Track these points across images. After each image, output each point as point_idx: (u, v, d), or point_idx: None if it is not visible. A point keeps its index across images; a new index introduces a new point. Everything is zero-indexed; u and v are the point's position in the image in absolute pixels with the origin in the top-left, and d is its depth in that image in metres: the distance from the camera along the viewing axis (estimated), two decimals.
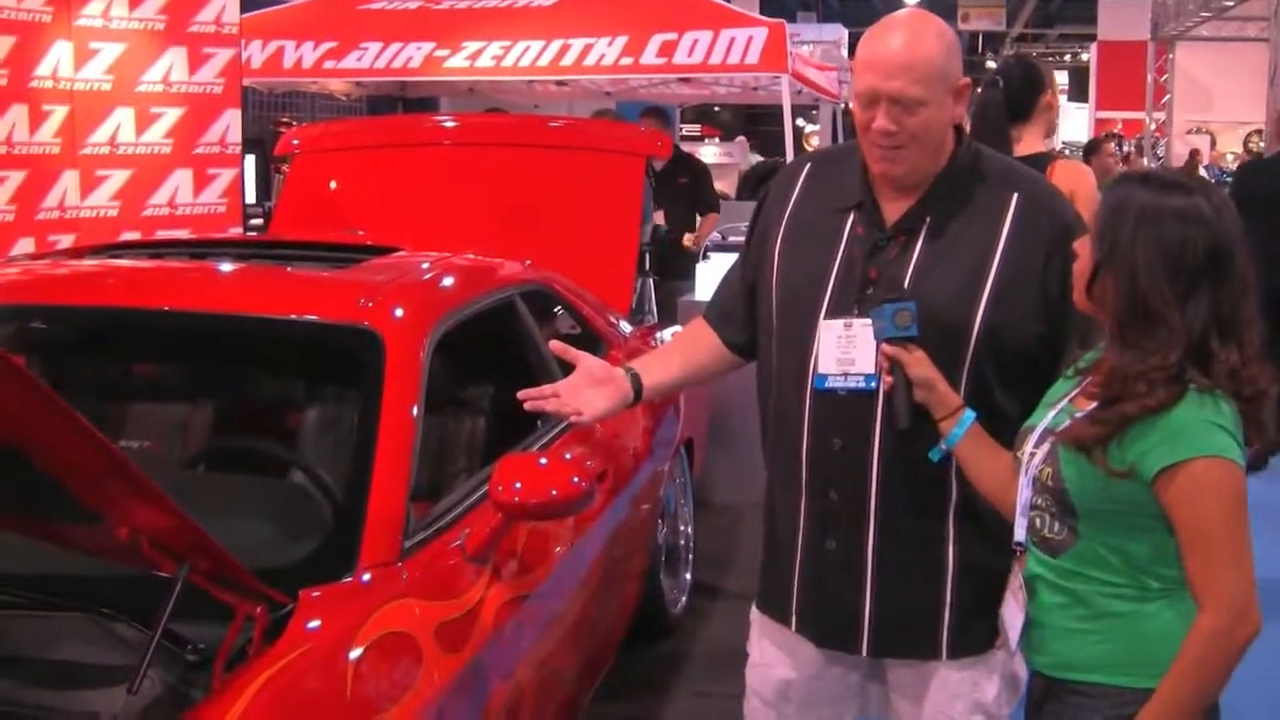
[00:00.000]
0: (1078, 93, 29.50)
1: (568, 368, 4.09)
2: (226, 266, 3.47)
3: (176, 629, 2.28)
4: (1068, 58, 33.88)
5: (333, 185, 5.63)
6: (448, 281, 3.60)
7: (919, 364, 2.31)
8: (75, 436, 1.76)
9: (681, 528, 5.07)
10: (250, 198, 7.80)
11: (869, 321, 2.36)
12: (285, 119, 10.12)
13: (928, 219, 2.42)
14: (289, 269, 3.47)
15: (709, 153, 18.52)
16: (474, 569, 2.81)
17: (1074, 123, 28.16)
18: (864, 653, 2.49)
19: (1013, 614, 2.24)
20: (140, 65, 5.95)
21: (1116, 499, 2.07)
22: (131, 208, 5.96)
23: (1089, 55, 22.72)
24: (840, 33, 23.38)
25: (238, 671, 2.18)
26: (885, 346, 2.32)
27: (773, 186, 2.69)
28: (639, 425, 4.34)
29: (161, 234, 5.93)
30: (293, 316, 3.09)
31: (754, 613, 2.70)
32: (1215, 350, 2.03)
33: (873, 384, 2.39)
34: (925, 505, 2.42)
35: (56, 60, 5.63)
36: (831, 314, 2.43)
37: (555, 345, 2.72)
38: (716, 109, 25.48)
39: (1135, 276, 2.05)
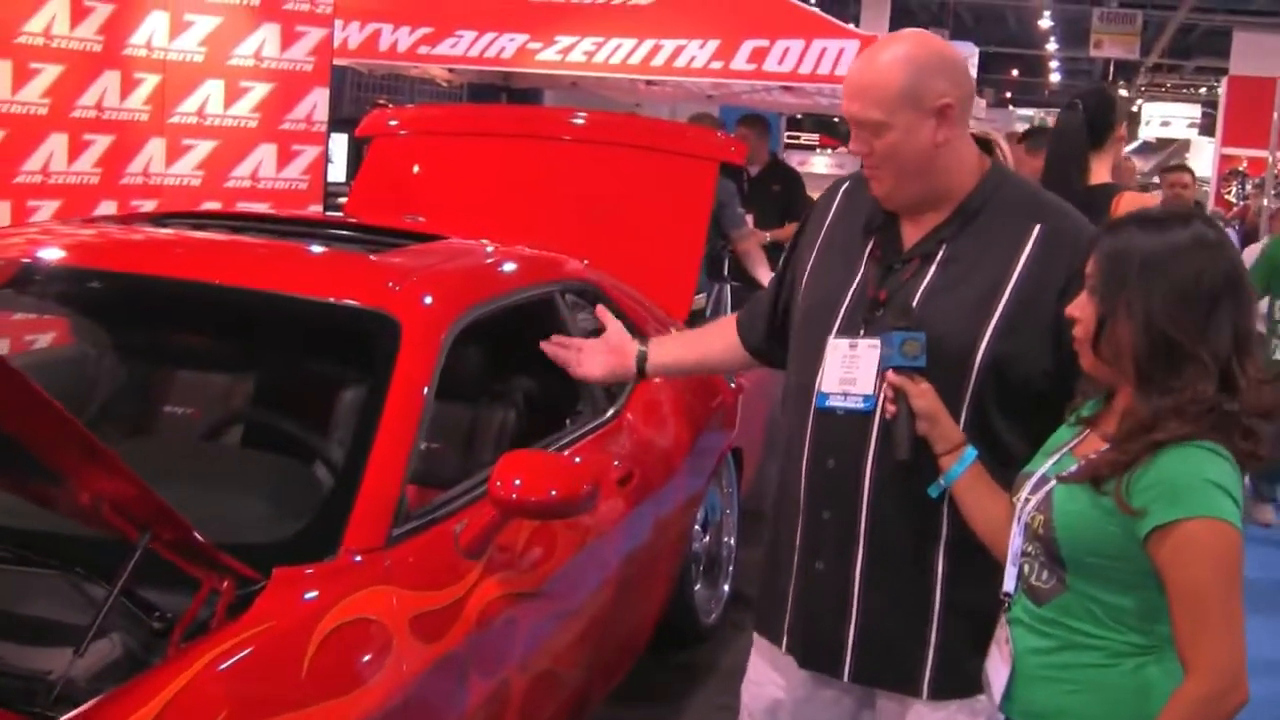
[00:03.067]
0: (1211, 127, 28.84)
1: None
2: (259, 242, 3.49)
3: (150, 597, 2.31)
4: (1203, 91, 33.07)
5: (415, 169, 5.68)
6: (482, 273, 3.61)
7: (924, 395, 2.26)
8: (26, 402, 1.78)
9: (725, 538, 5.02)
10: (340, 176, 7.90)
11: (874, 343, 2.34)
12: (382, 100, 10.22)
13: (944, 245, 2.39)
14: (321, 249, 3.49)
15: (820, 163, 18.41)
16: (465, 562, 2.81)
17: (1205, 158, 27.46)
18: (845, 678, 2.45)
19: (997, 668, 2.18)
20: (233, 39, 6.05)
21: (1106, 553, 2.00)
22: (214, 178, 6.06)
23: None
24: (970, 49, 23.15)
25: (195, 642, 2.20)
26: (890, 375, 2.28)
27: (816, 205, 2.70)
28: (678, 431, 4.31)
29: (242, 205, 6.03)
30: (314, 297, 3.10)
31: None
32: (1237, 370, 1.99)
33: (869, 406, 2.36)
34: (915, 536, 2.38)
35: (151, 30, 5.75)
36: (840, 334, 2.42)
37: (599, 310, 2.79)
38: (836, 119, 25.31)
39: (1152, 319, 1.99)
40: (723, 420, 4.79)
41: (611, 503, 3.63)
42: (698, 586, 4.74)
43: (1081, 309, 2.08)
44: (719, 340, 2.91)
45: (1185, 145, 29.31)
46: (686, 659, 4.71)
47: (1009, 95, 33.00)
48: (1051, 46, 31.79)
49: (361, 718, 2.31)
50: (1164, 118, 32.07)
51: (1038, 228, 2.37)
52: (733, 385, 4.91)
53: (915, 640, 2.40)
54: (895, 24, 21.53)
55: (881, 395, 2.32)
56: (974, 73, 21.10)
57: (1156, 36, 28.36)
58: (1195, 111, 30.80)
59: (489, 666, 2.82)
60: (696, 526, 4.63)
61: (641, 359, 2.84)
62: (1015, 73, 34.94)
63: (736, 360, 2.90)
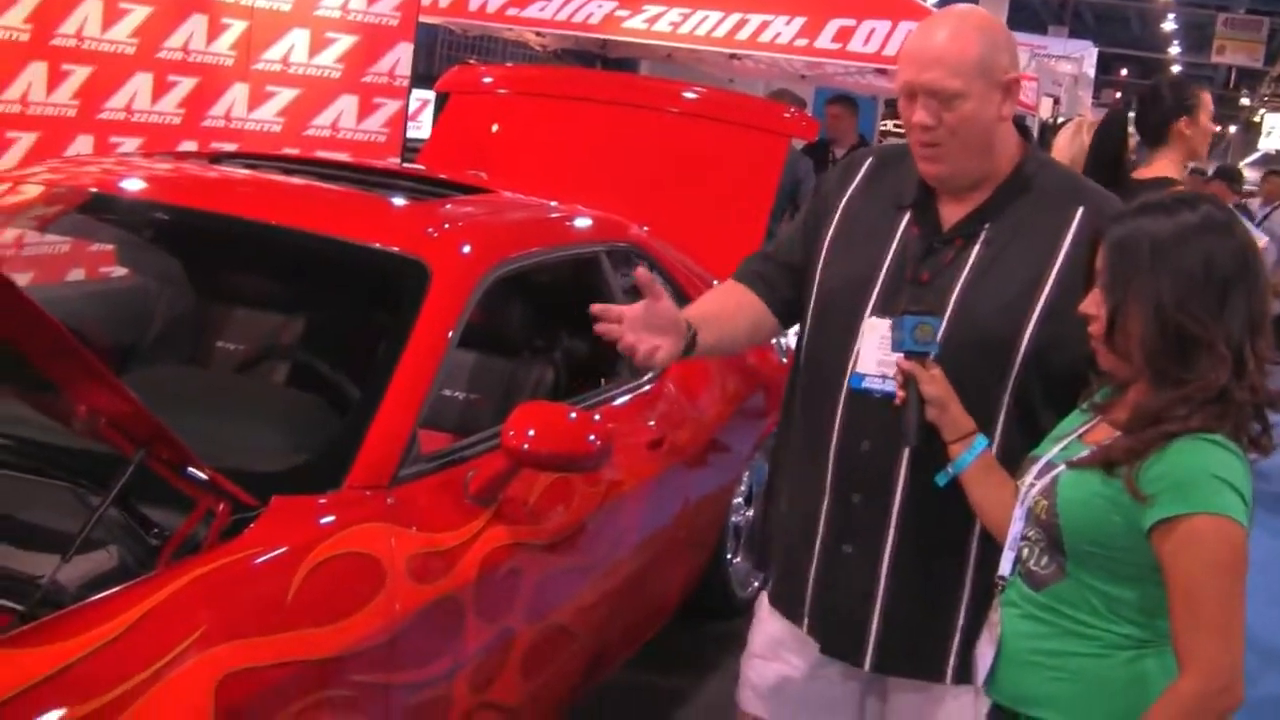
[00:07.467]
0: None
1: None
2: (302, 184, 3.53)
3: (155, 516, 2.37)
4: None
5: (490, 127, 5.72)
6: (522, 227, 3.62)
7: (933, 382, 2.23)
8: (18, 311, 1.82)
9: None
10: (426, 132, 7.96)
11: None
12: (472, 60, 10.26)
13: (986, 226, 2.35)
14: (364, 194, 3.52)
15: None
16: (473, 508, 2.83)
17: None
18: (867, 666, 2.43)
19: (984, 650, 2.16)
20: None
21: (1108, 543, 1.97)
22: (294, 126, 6.14)
23: None
24: (1087, 49, 22.66)
25: (184, 560, 2.24)
26: (901, 360, 2.25)
27: (831, 175, 2.63)
28: (720, 401, 4.30)
29: (320, 154, 6.10)
30: (349, 239, 3.14)
31: (762, 604, 2.66)
32: (1249, 353, 1.95)
33: None
34: (949, 522, 2.34)
35: None
36: (878, 313, 2.37)
37: (641, 274, 2.48)
38: None
39: (1163, 309, 1.95)
40: (770, 393, 4.76)
41: (640, 465, 3.63)
42: (736, 559, 4.73)
43: (1094, 305, 2.04)
44: (752, 313, 2.65)
45: None
46: (721, 629, 4.71)
47: (1118, 95, 32.46)
48: (1174, 50, 31.11)
49: (343, 649, 2.34)
50: None
51: (1080, 211, 2.33)
52: (784, 361, 4.87)
53: (942, 625, 2.38)
54: (1013, 21, 21.15)
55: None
56: (1091, 72, 20.44)
57: None
58: None
59: (491, 613, 2.85)
60: (738, 499, 4.63)
61: (691, 341, 2.46)
62: (1124, 73, 34.25)
63: (766, 331, 2.69)
